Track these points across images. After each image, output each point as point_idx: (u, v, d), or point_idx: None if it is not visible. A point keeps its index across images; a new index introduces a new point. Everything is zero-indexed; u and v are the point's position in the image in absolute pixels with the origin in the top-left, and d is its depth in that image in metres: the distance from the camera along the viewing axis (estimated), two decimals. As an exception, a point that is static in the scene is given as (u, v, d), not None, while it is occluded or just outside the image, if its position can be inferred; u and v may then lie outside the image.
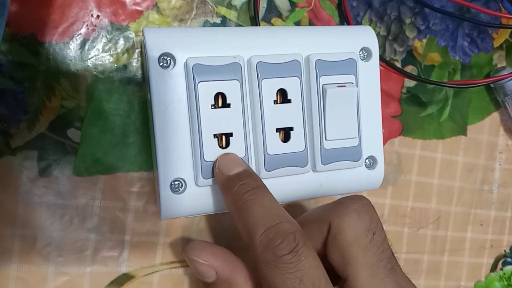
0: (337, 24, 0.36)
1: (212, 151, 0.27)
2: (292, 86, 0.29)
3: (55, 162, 0.29)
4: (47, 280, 0.29)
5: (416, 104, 0.39)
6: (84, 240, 0.30)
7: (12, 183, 0.29)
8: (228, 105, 0.27)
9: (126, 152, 0.31)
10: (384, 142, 0.37)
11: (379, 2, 0.37)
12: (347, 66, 0.30)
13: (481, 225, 0.42)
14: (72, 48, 0.29)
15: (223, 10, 0.32)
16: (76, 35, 0.29)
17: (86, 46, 0.30)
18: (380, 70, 0.32)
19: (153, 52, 0.26)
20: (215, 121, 0.27)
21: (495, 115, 0.42)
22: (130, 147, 0.31)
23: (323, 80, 0.29)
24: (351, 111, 0.30)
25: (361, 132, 0.31)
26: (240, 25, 0.33)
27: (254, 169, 0.29)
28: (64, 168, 0.29)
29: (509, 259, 0.43)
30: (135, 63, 0.31)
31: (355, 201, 0.26)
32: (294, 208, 0.35)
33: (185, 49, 0.27)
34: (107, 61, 0.30)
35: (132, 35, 0.30)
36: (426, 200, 0.40)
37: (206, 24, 0.32)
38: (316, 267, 0.22)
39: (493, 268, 0.43)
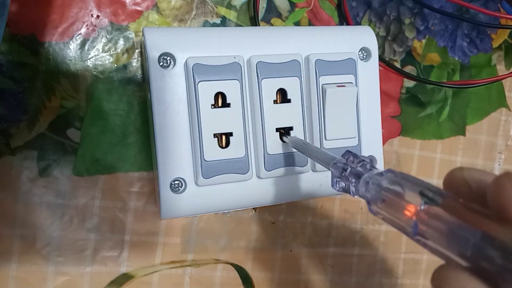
0: (337, 24, 0.36)
1: (212, 150, 0.27)
2: (291, 86, 0.29)
3: (55, 162, 0.29)
4: (47, 280, 0.29)
5: (415, 104, 0.39)
6: (84, 240, 0.30)
7: (12, 183, 0.29)
8: (228, 105, 0.28)
9: (126, 152, 0.31)
10: (384, 142, 0.37)
11: (378, 3, 0.37)
12: (347, 66, 0.30)
13: (480, 225, 0.42)
14: (72, 48, 0.29)
15: (222, 10, 0.32)
16: (76, 35, 0.29)
17: (86, 46, 0.30)
18: (380, 70, 0.32)
19: (153, 52, 0.26)
20: (215, 120, 0.27)
21: (494, 116, 0.42)
22: (130, 147, 0.31)
23: (323, 80, 0.29)
24: (351, 111, 0.30)
25: (360, 132, 0.31)
26: (240, 25, 0.33)
27: (254, 169, 0.29)
28: (64, 168, 0.30)
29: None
30: (135, 63, 0.31)
31: None
32: (294, 208, 0.35)
33: (185, 49, 0.27)
34: (107, 61, 0.30)
35: (132, 35, 0.30)
36: (426, 200, 0.40)
37: (206, 24, 0.32)
38: None
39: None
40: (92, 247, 0.30)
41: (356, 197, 0.22)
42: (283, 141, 0.29)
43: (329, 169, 0.23)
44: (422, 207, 0.17)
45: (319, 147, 0.30)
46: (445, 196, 0.17)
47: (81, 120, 0.30)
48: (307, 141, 0.30)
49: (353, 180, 0.21)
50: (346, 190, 0.22)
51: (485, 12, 0.34)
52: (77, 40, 0.29)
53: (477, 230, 0.15)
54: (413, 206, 0.17)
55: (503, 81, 0.41)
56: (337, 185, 0.23)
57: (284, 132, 0.29)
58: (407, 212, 0.17)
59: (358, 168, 0.22)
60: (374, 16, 0.37)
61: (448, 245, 0.16)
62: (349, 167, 0.22)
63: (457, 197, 0.17)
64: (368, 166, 0.21)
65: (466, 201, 0.17)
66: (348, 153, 0.23)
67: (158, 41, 0.27)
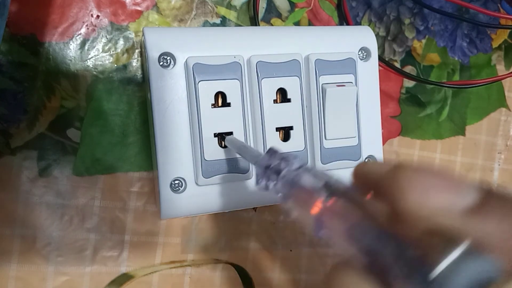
0: (337, 24, 0.36)
1: (213, 150, 0.27)
2: (291, 85, 0.29)
3: (54, 162, 0.29)
4: (47, 280, 0.29)
5: (415, 104, 0.39)
6: (83, 240, 0.30)
7: (12, 183, 0.29)
8: (228, 104, 0.28)
9: (126, 152, 0.31)
10: (383, 142, 0.37)
11: (378, 3, 0.37)
12: (347, 65, 0.30)
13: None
14: (72, 48, 0.29)
15: (222, 10, 0.32)
16: (76, 35, 0.29)
17: (86, 46, 0.30)
18: (379, 70, 0.32)
19: (153, 52, 0.26)
20: (215, 120, 0.27)
21: (494, 116, 0.42)
22: (130, 147, 0.31)
23: (323, 79, 0.29)
24: (351, 110, 0.30)
25: (360, 132, 0.31)
26: (240, 25, 0.33)
27: (254, 168, 0.29)
28: (64, 168, 0.29)
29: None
30: (134, 63, 0.31)
31: None
32: (294, 208, 0.35)
33: (185, 48, 0.27)
34: (107, 61, 0.30)
35: (132, 35, 0.30)
36: (426, 200, 0.40)
37: (205, 24, 0.32)
38: None
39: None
40: (92, 247, 0.30)
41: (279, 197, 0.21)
42: (284, 138, 0.29)
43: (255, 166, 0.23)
44: (325, 201, 0.16)
45: (319, 146, 0.30)
46: (347, 190, 0.17)
47: (81, 120, 0.30)
48: (307, 141, 0.30)
49: (274, 178, 0.21)
50: (267, 188, 0.21)
51: (484, 12, 0.34)
52: (77, 40, 0.29)
53: (373, 226, 0.15)
54: (318, 202, 0.17)
55: (502, 81, 0.41)
56: (259, 184, 0.22)
57: (284, 131, 0.29)
58: (314, 209, 0.17)
59: (281, 165, 0.21)
60: (374, 16, 0.37)
61: (347, 241, 0.15)
62: (271, 164, 0.21)
63: (359, 191, 0.17)
64: (289, 162, 0.21)
65: (364, 196, 0.16)
66: (271, 150, 0.22)
67: (158, 41, 0.27)
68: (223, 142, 0.28)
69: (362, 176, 0.18)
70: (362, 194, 0.17)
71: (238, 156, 0.28)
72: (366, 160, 0.32)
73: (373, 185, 0.17)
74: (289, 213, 0.19)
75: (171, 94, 0.27)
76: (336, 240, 0.16)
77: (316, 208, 0.17)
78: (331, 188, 0.17)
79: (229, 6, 0.33)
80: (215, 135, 0.27)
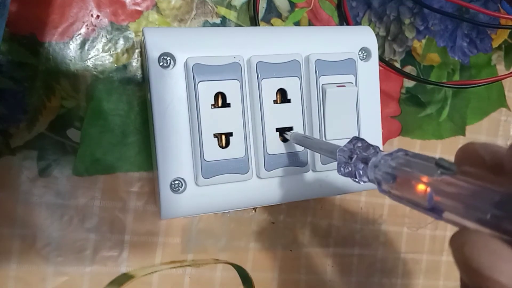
0: (337, 24, 0.36)
1: (212, 150, 0.27)
2: (292, 86, 0.29)
3: (54, 162, 0.29)
4: (47, 280, 0.29)
5: (415, 104, 0.39)
6: (83, 240, 0.30)
7: (12, 183, 0.29)
8: (228, 105, 0.28)
9: (126, 152, 0.31)
10: (384, 142, 0.37)
11: (378, 3, 0.37)
12: (347, 66, 0.30)
13: (480, 225, 0.42)
14: (72, 48, 0.29)
15: (222, 10, 0.32)
16: (76, 35, 0.29)
17: (86, 46, 0.30)
18: (380, 70, 0.32)
19: (153, 52, 0.26)
20: (215, 120, 0.27)
21: (494, 116, 0.42)
22: (130, 147, 0.31)
23: (323, 80, 0.29)
24: (351, 111, 0.30)
25: (360, 132, 0.31)
26: (240, 25, 0.33)
27: (253, 169, 0.29)
28: (64, 168, 0.29)
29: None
30: (134, 63, 0.31)
31: None
32: (294, 208, 0.35)
33: (185, 49, 0.27)
34: (106, 61, 0.30)
35: (132, 35, 0.30)
36: (425, 200, 0.40)
37: (205, 24, 0.32)
38: None
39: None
40: (92, 247, 0.30)
41: (361, 183, 0.22)
42: (284, 139, 0.29)
43: (333, 158, 0.23)
44: (438, 177, 0.17)
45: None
46: (460, 166, 0.17)
47: (81, 120, 0.30)
48: (307, 141, 0.30)
49: (361, 166, 0.21)
50: (352, 175, 0.22)
51: (485, 12, 0.34)
52: (77, 40, 0.29)
53: (495, 191, 0.14)
54: (427, 178, 0.17)
55: (503, 81, 0.41)
56: (343, 170, 0.23)
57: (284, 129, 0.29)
58: (421, 186, 0.17)
59: (365, 154, 0.21)
60: (374, 16, 0.37)
61: (466, 211, 0.15)
62: (356, 152, 0.22)
63: (472, 167, 0.17)
64: (376, 150, 0.21)
65: (481, 170, 0.17)
66: (355, 139, 0.23)
67: (158, 41, 0.27)
68: (223, 143, 0.28)
69: (474, 156, 0.18)
70: (477, 169, 0.17)
71: (237, 156, 0.28)
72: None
73: (489, 165, 0.17)
74: (389, 194, 0.19)
75: (171, 94, 0.27)
76: (452, 215, 0.16)
77: (426, 185, 0.17)
78: (445, 164, 0.17)
79: (229, 6, 0.33)
80: (215, 135, 0.27)
